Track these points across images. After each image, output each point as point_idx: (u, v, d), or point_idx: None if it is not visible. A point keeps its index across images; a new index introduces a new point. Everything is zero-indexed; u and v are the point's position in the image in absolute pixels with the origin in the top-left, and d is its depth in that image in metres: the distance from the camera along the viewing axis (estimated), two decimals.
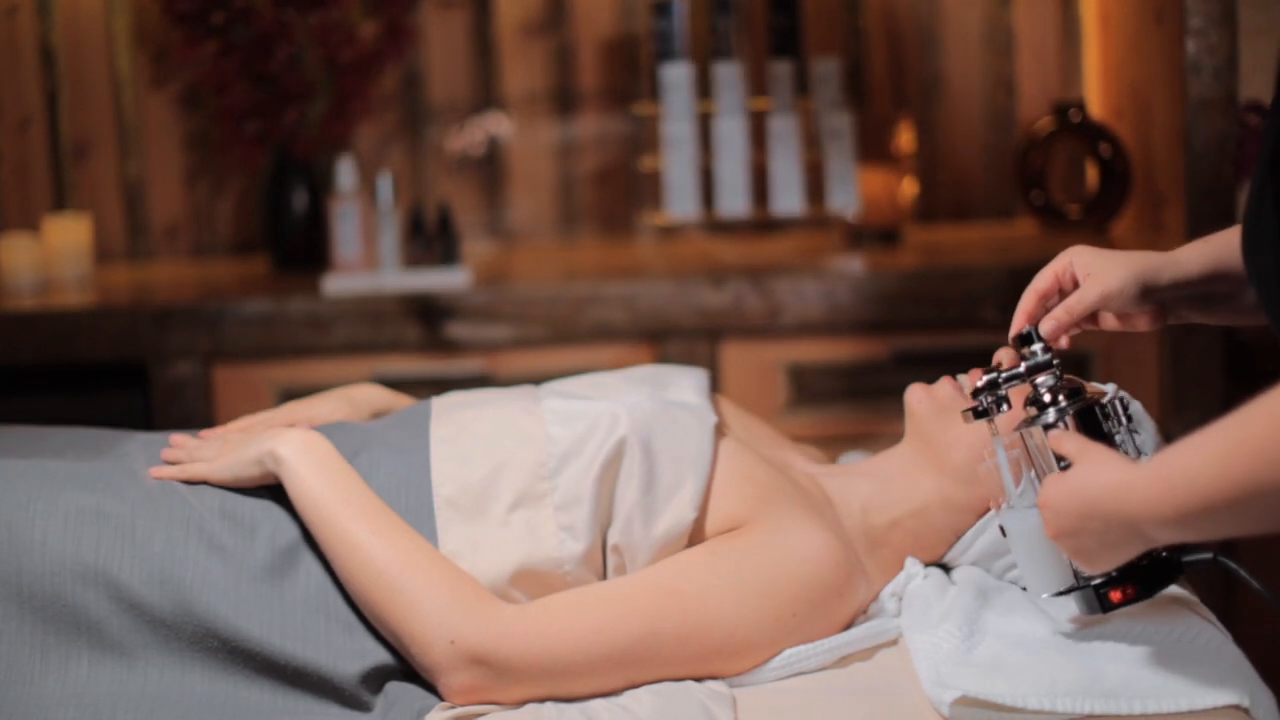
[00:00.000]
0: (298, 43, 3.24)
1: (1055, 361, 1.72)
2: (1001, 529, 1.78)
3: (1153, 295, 1.73)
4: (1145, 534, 1.51)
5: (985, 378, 1.76)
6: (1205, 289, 1.72)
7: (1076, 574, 1.71)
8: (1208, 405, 2.82)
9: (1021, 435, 1.72)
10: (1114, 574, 1.68)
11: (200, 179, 3.52)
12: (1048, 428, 1.68)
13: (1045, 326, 1.73)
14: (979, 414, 1.76)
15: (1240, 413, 1.36)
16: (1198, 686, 1.62)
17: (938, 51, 3.53)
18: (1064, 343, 1.75)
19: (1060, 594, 1.74)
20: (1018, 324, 1.76)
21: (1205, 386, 2.82)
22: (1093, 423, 1.68)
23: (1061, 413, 1.68)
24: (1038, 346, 1.73)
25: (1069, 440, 1.64)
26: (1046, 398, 1.70)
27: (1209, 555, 1.68)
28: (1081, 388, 1.71)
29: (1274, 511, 1.35)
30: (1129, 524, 1.52)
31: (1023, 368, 1.73)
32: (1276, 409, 1.32)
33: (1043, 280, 1.77)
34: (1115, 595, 1.69)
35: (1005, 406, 1.75)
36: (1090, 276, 1.73)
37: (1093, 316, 1.77)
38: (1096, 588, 1.69)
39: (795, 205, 3.27)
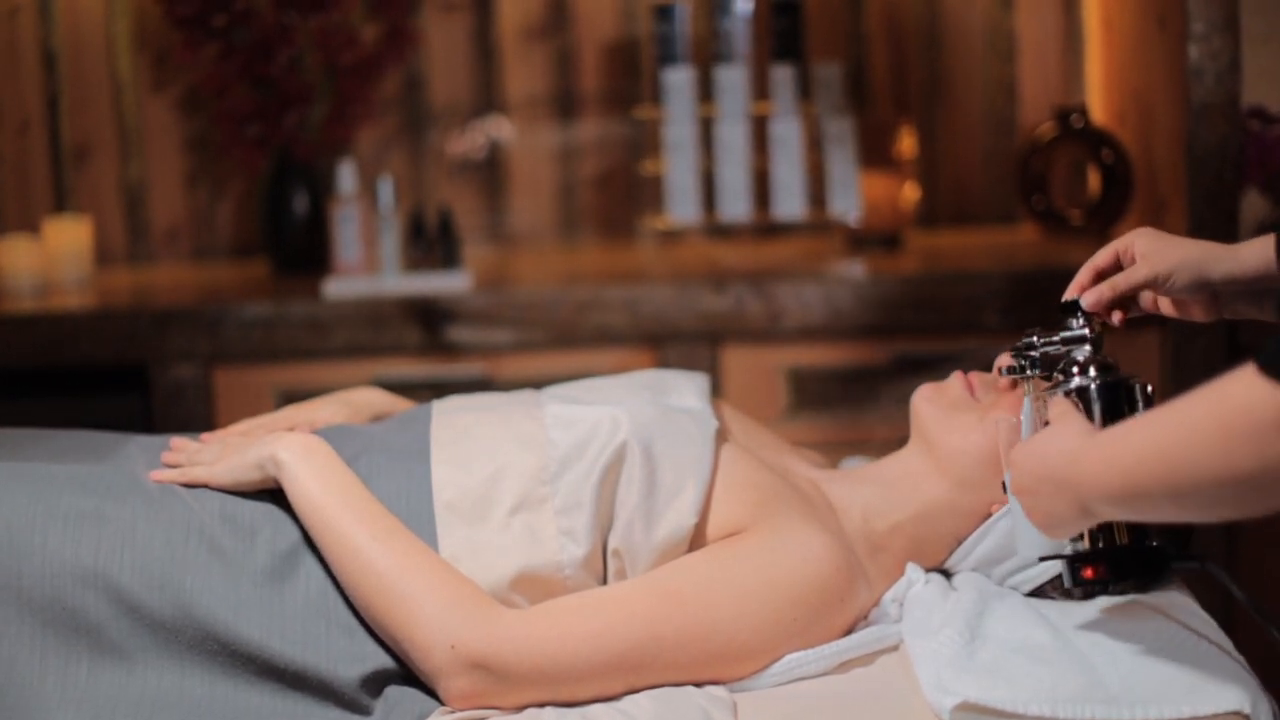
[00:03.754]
0: (298, 46, 3.24)
1: (1091, 335, 1.75)
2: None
3: (1207, 285, 1.74)
4: (1088, 506, 1.52)
5: (1024, 339, 1.79)
6: (1262, 284, 1.73)
7: (1071, 546, 1.72)
8: None
9: (1045, 399, 1.74)
10: (1094, 550, 1.70)
11: (201, 182, 3.52)
12: (1068, 394, 1.70)
13: (1087, 298, 1.77)
14: (1012, 371, 1.80)
15: (1186, 397, 1.36)
16: (1198, 692, 1.62)
17: (939, 56, 3.53)
18: (1115, 320, 1.78)
19: (1042, 559, 1.76)
20: (1068, 293, 1.79)
21: (1196, 372, 2.82)
22: (1115, 401, 1.69)
23: (1086, 383, 1.70)
24: (1080, 318, 1.76)
25: (1057, 405, 1.66)
26: (1075, 368, 1.72)
27: (1196, 563, 1.70)
28: (1114, 366, 1.72)
29: (1210, 499, 1.35)
30: (1074, 493, 1.53)
31: (1059, 335, 1.76)
32: (1219, 396, 1.31)
33: (1102, 256, 1.81)
34: (1087, 571, 1.71)
35: (1038, 370, 1.78)
36: (1144, 258, 1.76)
37: (1153, 302, 1.79)
38: (1071, 559, 1.71)
39: (796, 210, 3.27)
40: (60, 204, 3.49)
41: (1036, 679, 1.66)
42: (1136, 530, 1.70)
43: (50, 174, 3.49)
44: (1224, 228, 2.91)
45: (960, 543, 1.96)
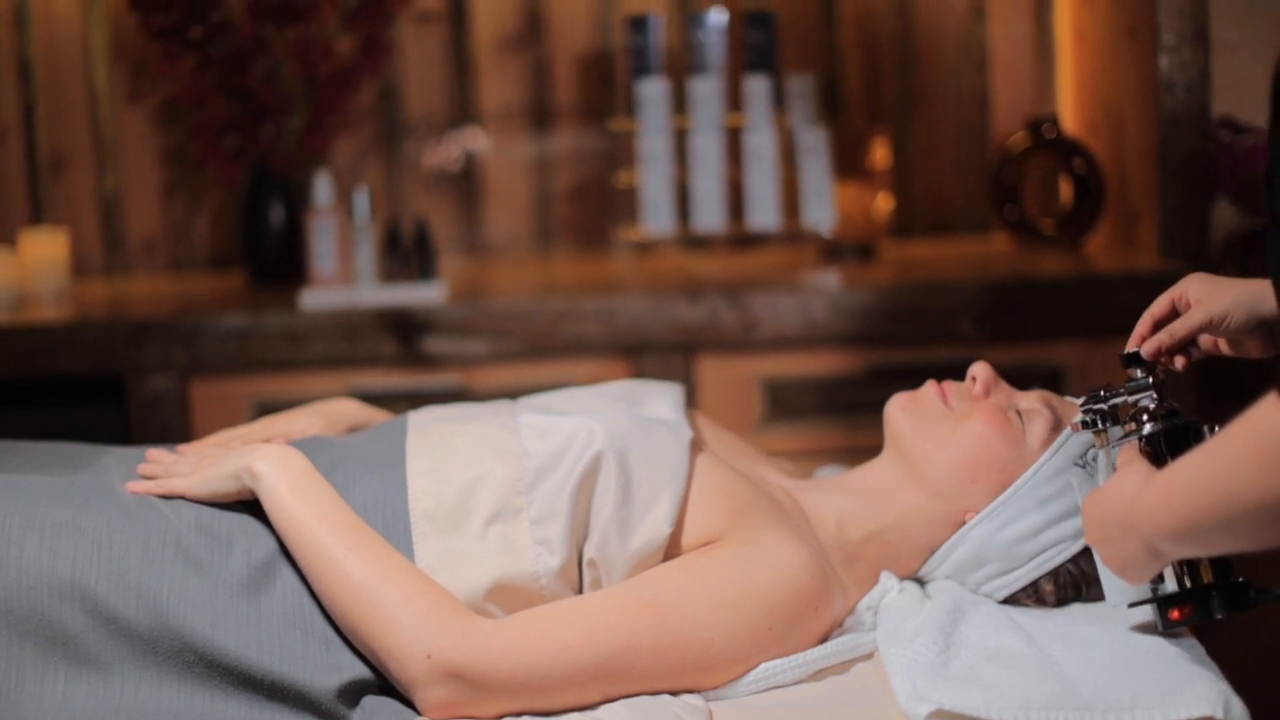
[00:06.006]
0: (275, 57, 3.24)
1: (1154, 383, 1.77)
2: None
3: (1264, 323, 1.76)
4: (1153, 546, 1.55)
5: (1091, 393, 1.81)
6: None
7: (1155, 589, 1.74)
8: None
9: (1116, 450, 1.77)
10: (1180, 591, 1.71)
11: (177, 193, 3.52)
12: (1139, 441, 1.72)
13: (1147, 348, 1.79)
14: (1086, 426, 1.81)
15: (1225, 429, 1.39)
16: (1172, 697, 1.63)
17: (913, 67, 3.54)
18: (1179, 365, 1.81)
19: (1132, 605, 1.77)
20: (1129, 345, 1.82)
21: (1182, 404, 2.82)
22: (1182, 446, 1.70)
23: (1154, 430, 1.72)
24: (1142, 369, 1.79)
25: (1125, 452, 1.70)
26: (1144, 416, 1.74)
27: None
28: (1179, 412, 1.74)
29: (1260, 525, 1.37)
30: (1138, 534, 1.57)
31: (1124, 387, 1.78)
32: (1252, 424, 1.34)
33: (1158, 306, 1.83)
34: (1174, 613, 1.72)
35: (1109, 423, 1.79)
36: (1198, 302, 1.78)
37: (1212, 344, 1.82)
38: (1159, 602, 1.73)
39: (771, 220, 3.28)
40: (36, 215, 3.49)
41: (1010, 686, 1.67)
42: (1221, 567, 1.70)
43: (26, 185, 3.49)
44: (1195, 238, 2.92)
45: (934, 551, 1.97)
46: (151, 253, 3.53)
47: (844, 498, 2.00)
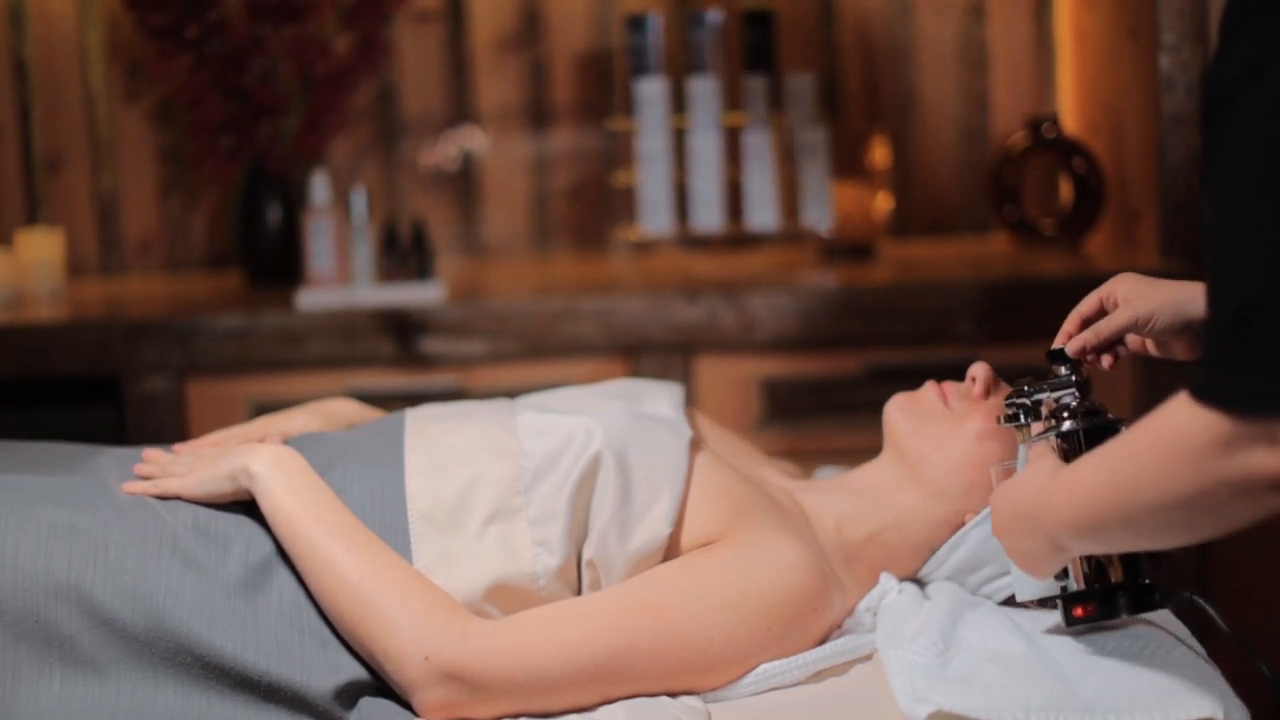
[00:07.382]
0: (272, 57, 3.24)
1: (1077, 380, 1.78)
2: None
3: (1189, 325, 1.76)
4: (1056, 541, 1.57)
5: (1016, 388, 1.82)
6: None
7: (1064, 587, 1.74)
8: None
9: (1032, 445, 1.77)
10: (1086, 590, 1.72)
11: (174, 193, 3.51)
12: (1058, 438, 1.72)
13: (1071, 346, 1.80)
14: (1009, 420, 1.81)
15: (1132, 428, 1.41)
16: (1172, 700, 1.63)
17: (912, 67, 3.54)
18: (1105, 364, 1.81)
19: (1039, 601, 1.79)
20: (1055, 342, 1.82)
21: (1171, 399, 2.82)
22: (1098, 444, 1.68)
23: (1074, 428, 1.72)
24: (1065, 366, 1.79)
25: (1038, 448, 1.71)
26: (1065, 413, 1.74)
27: (1186, 594, 1.73)
28: (1101, 410, 1.74)
29: (1160, 525, 1.39)
30: (1042, 529, 1.58)
31: (1048, 383, 1.79)
32: (1157, 424, 1.35)
33: (1086, 304, 1.83)
34: (1078, 610, 1.74)
35: (1032, 418, 1.79)
36: (1125, 302, 1.78)
37: (1141, 344, 1.82)
38: (1065, 600, 1.74)
39: (769, 220, 3.28)
40: (32, 215, 3.48)
41: (1010, 688, 1.67)
42: (1129, 567, 1.72)
43: (22, 185, 3.48)
44: (1195, 237, 2.92)
45: (934, 552, 1.97)
46: (148, 252, 3.52)
47: (843, 498, 2.00)
